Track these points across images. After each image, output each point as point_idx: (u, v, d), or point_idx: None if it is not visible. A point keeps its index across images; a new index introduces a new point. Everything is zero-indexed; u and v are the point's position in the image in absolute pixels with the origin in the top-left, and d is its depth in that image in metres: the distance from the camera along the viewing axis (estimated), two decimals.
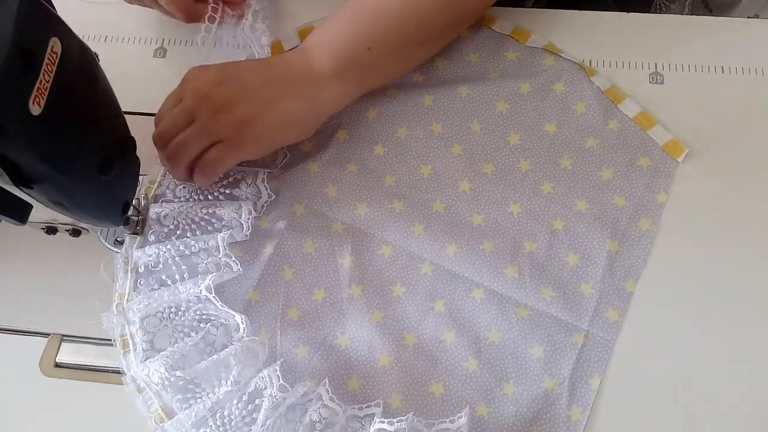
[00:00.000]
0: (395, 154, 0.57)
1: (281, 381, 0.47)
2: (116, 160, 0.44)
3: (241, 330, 0.49)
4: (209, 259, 0.52)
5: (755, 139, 0.56)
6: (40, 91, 0.35)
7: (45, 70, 0.35)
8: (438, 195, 0.55)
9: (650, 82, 0.58)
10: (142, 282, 0.52)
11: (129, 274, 0.52)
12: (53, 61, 0.36)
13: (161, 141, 0.51)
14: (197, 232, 0.53)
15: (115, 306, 0.51)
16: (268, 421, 0.46)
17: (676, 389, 0.49)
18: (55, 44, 0.36)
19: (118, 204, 0.48)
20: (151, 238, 0.53)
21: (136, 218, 0.54)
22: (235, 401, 0.47)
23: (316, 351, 0.51)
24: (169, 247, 0.52)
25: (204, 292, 0.49)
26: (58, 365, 0.52)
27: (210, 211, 0.53)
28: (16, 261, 0.56)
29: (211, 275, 0.50)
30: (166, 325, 0.50)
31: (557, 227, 0.54)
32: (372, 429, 0.46)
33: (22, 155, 0.36)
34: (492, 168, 0.56)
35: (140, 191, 0.55)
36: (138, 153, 0.49)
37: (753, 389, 0.49)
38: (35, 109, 0.35)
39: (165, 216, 0.54)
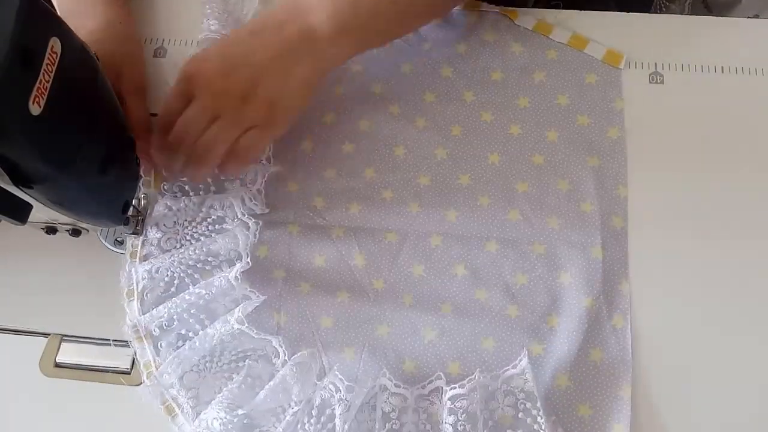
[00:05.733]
0: (365, 146, 0.57)
1: (347, 382, 0.47)
2: (116, 160, 0.44)
3: (281, 354, 0.49)
4: (226, 299, 0.51)
5: (755, 138, 0.56)
6: (39, 91, 0.35)
7: (45, 69, 0.35)
8: (420, 170, 0.56)
9: (650, 82, 0.58)
10: (162, 344, 0.51)
11: (145, 341, 0.51)
12: (53, 61, 0.36)
13: (181, 143, 0.49)
14: (195, 276, 0.53)
15: (146, 377, 0.50)
16: (345, 426, 0.46)
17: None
18: (55, 44, 0.36)
19: (118, 204, 0.48)
20: (148, 297, 0.52)
21: (136, 218, 0.54)
22: (305, 419, 0.47)
23: (362, 348, 0.51)
24: (178, 302, 0.51)
25: (236, 326, 0.49)
26: (58, 365, 0.52)
27: (203, 250, 0.53)
28: (16, 261, 0.56)
29: (237, 307, 0.50)
30: (205, 377, 0.50)
31: (538, 162, 0.55)
32: (445, 398, 0.47)
33: (21, 155, 0.36)
34: (459, 129, 0.57)
35: (140, 191, 0.55)
36: (138, 153, 0.49)
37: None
38: (35, 109, 0.35)
39: (157, 270, 0.53)
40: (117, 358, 0.51)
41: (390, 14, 0.53)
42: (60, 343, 0.53)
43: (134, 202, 0.53)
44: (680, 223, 0.53)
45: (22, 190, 0.39)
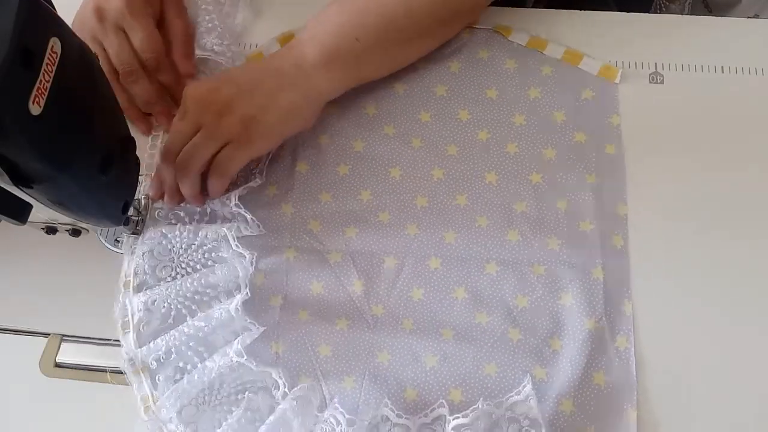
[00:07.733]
0: (360, 168, 0.57)
1: (347, 416, 0.47)
2: (116, 160, 0.44)
3: (281, 386, 0.49)
4: (225, 331, 0.51)
5: (755, 138, 0.56)
6: (39, 91, 0.35)
7: (45, 70, 0.35)
8: (417, 191, 0.56)
9: (650, 82, 0.58)
10: (160, 378, 0.50)
11: (142, 374, 0.50)
12: (53, 61, 0.36)
13: (170, 156, 0.52)
14: (193, 308, 0.51)
15: (143, 412, 0.49)
16: None
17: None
18: (54, 44, 0.36)
19: (118, 204, 0.48)
20: (145, 330, 0.51)
21: (136, 218, 0.54)
22: None
23: (362, 377, 0.50)
24: (176, 334, 0.50)
25: (236, 358, 0.49)
26: (58, 365, 0.52)
27: (202, 281, 0.52)
28: (16, 261, 0.56)
29: (236, 339, 0.49)
30: (204, 411, 0.49)
31: (536, 180, 0.55)
32: (449, 428, 0.46)
33: (21, 155, 0.36)
34: (455, 148, 0.57)
35: (140, 191, 0.55)
36: (138, 153, 0.49)
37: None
38: (35, 109, 0.35)
39: (154, 302, 0.51)
40: (117, 358, 0.51)
41: (381, 46, 0.55)
42: (60, 343, 0.53)
43: (134, 202, 0.53)
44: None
45: (22, 190, 0.39)
